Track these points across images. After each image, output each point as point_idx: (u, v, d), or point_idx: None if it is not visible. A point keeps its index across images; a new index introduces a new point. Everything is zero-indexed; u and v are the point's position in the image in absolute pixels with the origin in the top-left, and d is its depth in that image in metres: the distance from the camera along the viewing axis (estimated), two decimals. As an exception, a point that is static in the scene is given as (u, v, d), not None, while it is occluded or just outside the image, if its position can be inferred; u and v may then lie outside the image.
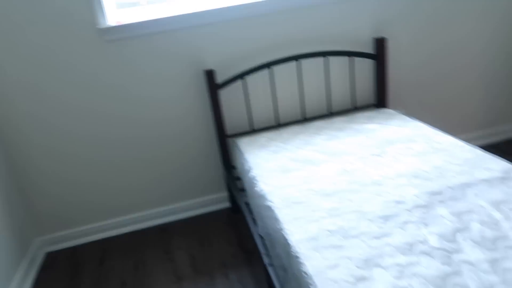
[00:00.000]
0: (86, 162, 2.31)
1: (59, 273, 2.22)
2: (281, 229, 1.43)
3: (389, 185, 1.62)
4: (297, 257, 1.27)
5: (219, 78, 2.33)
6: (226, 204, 2.63)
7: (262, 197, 1.70)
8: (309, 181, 1.74)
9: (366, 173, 1.74)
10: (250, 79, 2.37)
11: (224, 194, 2.60)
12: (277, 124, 2.46)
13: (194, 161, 2.48)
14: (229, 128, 2.44)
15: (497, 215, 1.31)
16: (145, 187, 2.46)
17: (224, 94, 2.36)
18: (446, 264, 1.13)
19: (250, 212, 1.91)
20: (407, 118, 2.28)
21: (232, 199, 2.52)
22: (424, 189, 1.55)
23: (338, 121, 2.38)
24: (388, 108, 2.59)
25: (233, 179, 2.31)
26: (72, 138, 2.25)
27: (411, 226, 1.33)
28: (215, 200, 2.60)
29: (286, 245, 1.37)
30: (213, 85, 2.25)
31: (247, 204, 1.98)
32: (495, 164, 1.64)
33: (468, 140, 2.89)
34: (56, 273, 2.22)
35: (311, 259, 1.23)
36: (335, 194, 1.60)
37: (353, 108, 2.57)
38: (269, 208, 1.60)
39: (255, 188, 1.79)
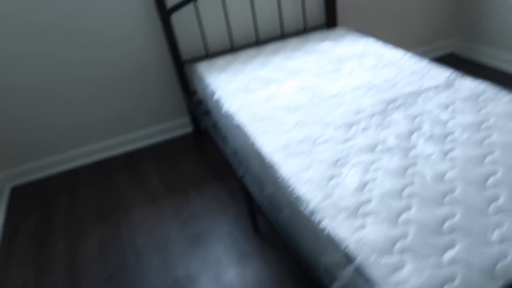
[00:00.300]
0: (44, 89, 2.24)
1: (30, 206, 2.23)
2: (253, 144, 1.54)
3: (347, 97, 1.75)
4: (271, 166, 1.39)
5: (170, 2, 2.27)
6: (188, 129, 2.69)
7: (229, 116, 1.78)
8: (272, 99, 1.83)
9: (324, 88, 1.86)
10: (202, 3, 2.33)
11: (186, 119, 2.65)
12: (232, 48, 2.48)
13: (153, 89, 2.48)
14: (185, 53, 2.43)
15: (444, 115, 1.50)
16: (109, 116, 2.45)
17: (177, 19, 2.32)
18: (405, 158, 1.30)
19: (218, 132, 1.99)
20: (358, 36, 2.39)
21: (195, 123, 2.58)
22: (379, 98, 1.70)
23: (292, 42, 2.44)
24: (338, 27, 2.68)
25: (195, 104, 2.35)
26: (25, 73, 2.15)
27: (371, 130, 1.48)
28: (178, 126, 2.65)
29: (259, 156, 1.49)
30: (163, 9, 2.20)
31: (214, 126, 2.06)
32: (440, 73, 1.81)
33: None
34: (27, 206, 2.24)
35: (285, 165, 1.36)
36: (299, 108, 1.71)
37: (304, 29, 2.63)
38: (238, 127, 1.69)
39: (222, 110, 1.86)
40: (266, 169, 1.43)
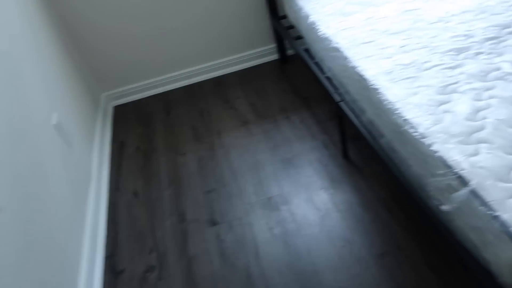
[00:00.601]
0: (140, 21, 2.34)
1: (132, 122, 2.44)
2: (354, 67, 1.52)
3: (455, 21, 1.63)
4: (376, 89, 1.38)
5: None
6: (274, 56, 2.69)
7: (326, 40, 1.75)
8: (371, 23, 1.75)
9: (429, 11, 1.74)
10: None
11: (272, 46, 2.65)
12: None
13: (240, 14, 2.47)
14: (277, -25, 2.37)
15: None
16: (193, 43, 2.51)
17: None
18: (523, 85, 1.23)
19: (312, 58, 1.98)
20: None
21: (281, 49, 2.57)
22: (492, 22, 1.56)
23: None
24: None
25: (284, 28, 2.32)
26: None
27: (484, 56, 1.39)
28: (264, 53, 2.66)
29: (361, 80, 1.47)
30: None
31: (307, 51, 2.04)
32: None
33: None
34: (129, 122, 2.44)
35: (390, 89, 1.34)
36: (402, 32, 1.64)
37: None
38: (336, 49, 1.66)
39: (317, 33, 1.83)
40: (369, 93, 1.42)
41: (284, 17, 2.39)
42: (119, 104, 2.62)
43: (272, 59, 2.69)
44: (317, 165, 1.89)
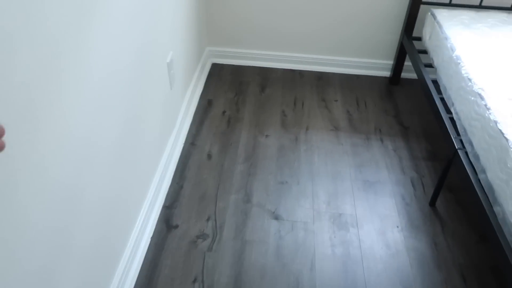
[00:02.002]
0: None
1: (225, 86, 2.39)
2: (495, 122, 1.37)
3: None
4: (516, 154, 1.23)
5: None
6: (385, 73, 2.55)
7: (468, 81, 1.60)
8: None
9: None
10: None
11: (389, 62, 2.51)
12: (480, 5, 2.19)
13: (373, 19, 2.35)
14: (425, -7, 2.22)
15: None
16: (313, 32, 2.42)
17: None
18: None
19: (438, 91, 1.84)
20: None
21: (397, 69, 2.43)
22: None
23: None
24: None
25: (415, 51, 2.17)
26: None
27: None
28: (377, 66, 2.53)
29: (498, 139, 1.33)
30: None
31: (434, 82, 1.90)
32: None
33: None
34: (222, 85, 2.40)
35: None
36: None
37: None
38: (478, 95, 1.51)
39: (460, 71, 1.68)
40: (503, 156, 1.28)
41: (418, 39, 2.25)
42: (218, 62, 2.58)
43: (382, 75, 2.56)
44: (399, 201, 1.77)
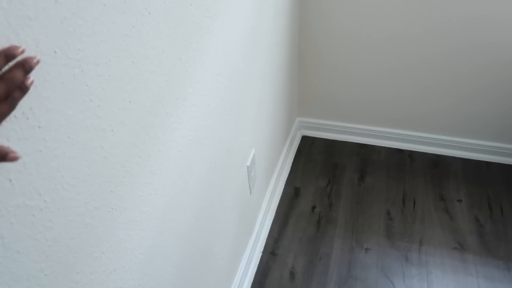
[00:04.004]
0: (374, 64, 1.82)
1: (316, 166, 1.98)
2: None
3: None
4: None
5: None
6: (525, 163, 1.97)
7: None
8: None
9: None
10: None
11: (531, 149, 1.93)
12: None
13: (504, 97, 1.80)
14: None
15: None
16: (430, 106, 1.91)
17: None
18: None
19: None
20: None
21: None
22: None
23: None
24: None
25: None
26: (366, 32, 1.74)
27: None
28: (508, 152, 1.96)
29: None
30: None
31: None
32: None
33: None
34: (313, 164, 1.99)
35: None
36: None
37: None
38: None
39: None
40: None
41: None
42: (308, 135, 2.18)
43: (519, 165, 1.98)
44: None
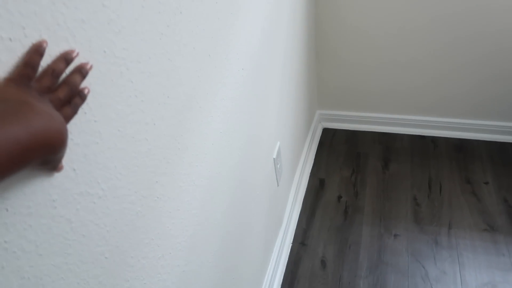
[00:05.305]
0: (390, 54, 1.83)
1: (339, 157, 2.00)
2: None
3: None
4: None
5: None
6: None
7: None
8: None
9: None
10: None
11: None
12: None
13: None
14: None
15: None
16: (451, 90, 1.91)
17: None
18: None
19: None
20: None
21: None
22: None
23: None
24: None
25: None
26: (380, 24, 1.75)
27: None
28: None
29: None
30: None
31: None
32: None
33: None
34: (336, 156, 2.01)
35: None
36: None
37: None
38: None
39: None
40: None
41: None
42: (329, 127, 2.20)
43: (546, 144, 1.96)
44: None
